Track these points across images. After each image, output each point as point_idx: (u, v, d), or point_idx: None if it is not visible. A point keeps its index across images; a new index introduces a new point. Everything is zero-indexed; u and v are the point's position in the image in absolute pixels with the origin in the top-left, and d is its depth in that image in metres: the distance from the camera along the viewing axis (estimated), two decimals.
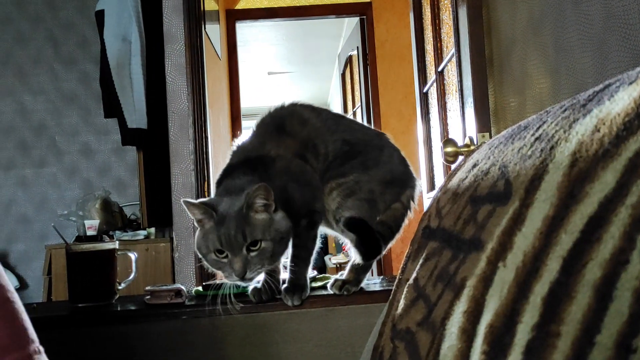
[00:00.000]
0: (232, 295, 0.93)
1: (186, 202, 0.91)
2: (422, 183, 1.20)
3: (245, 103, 4.20)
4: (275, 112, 1.10)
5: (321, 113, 1.11)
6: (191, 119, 2.33)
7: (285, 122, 1.07)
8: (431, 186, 2.04)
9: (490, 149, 0.72)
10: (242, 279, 0.89)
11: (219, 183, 1.02)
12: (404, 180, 1.08)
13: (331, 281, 1.03)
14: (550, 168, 0.48)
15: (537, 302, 0.40)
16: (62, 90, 3.38)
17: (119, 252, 1.00)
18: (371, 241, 0.97)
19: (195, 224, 0.95)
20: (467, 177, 0.73)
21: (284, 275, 1.01)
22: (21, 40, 3.35)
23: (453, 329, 0.53)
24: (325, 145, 1.05)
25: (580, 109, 0.51)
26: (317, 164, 1.04)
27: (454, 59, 1.55)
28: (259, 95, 7.04)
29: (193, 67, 2.32)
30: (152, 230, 2.54)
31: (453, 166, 1.28)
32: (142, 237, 2.50)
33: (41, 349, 0.62)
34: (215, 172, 2.58)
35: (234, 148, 1.08)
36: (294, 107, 1.10)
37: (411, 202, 1.09)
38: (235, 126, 3.92)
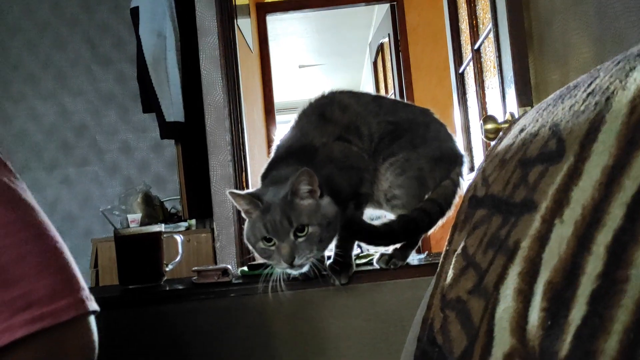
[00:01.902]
0: (281, 278, 0.93)
1: (232, 193, 0.92)
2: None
3: (277, 98, 4.21)
4: (316, 101, 1.10)
5: (361, 97, 1.11)
6: (227, 110, 2.36)
7: (326, 110, 1.07)
8: (470, 168, 2.01)
9: (537, 112, 0.70)
10: (291, 265, 0.88)
11: (264, 177, 1.03)
12: (452, 157, 1.07)
13: (377, 256, 1.02)
14: (607, 119, 0.46)
15: (601, 251, 0.39)
16: (100, 90, 3.46)
17: (165, 235, 1.02)
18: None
19: (243, 215, 0.95)
20: (514, 142, 0.72)
21: (328, 252, 1.00)
22: (59, 44, 3.44)
23: (508, 292, 0.52)
24: (368, 127, 1.05)
25: (635, 58, 0.49)
26: (362, 145, 1.04)
27: (491, 35, 1.52)
28: (292, 89, 7.05)
29: (227, 60, 2.34)
30: (193, 221, 2.59)
31: (493, 143, 1.26)
32: (183, 228, 2.54)
33: (91, 297, 0.64)
34: (252, 163, 2.60)
35: (277, 142, 1.08)
36: (334, 94, 1.10)
37: (460, 179, 1.08)
38: (269, 119, 3.94)
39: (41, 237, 0.64)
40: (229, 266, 0.99)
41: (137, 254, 0.97)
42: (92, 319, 0.64)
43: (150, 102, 2.55)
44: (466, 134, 2.04)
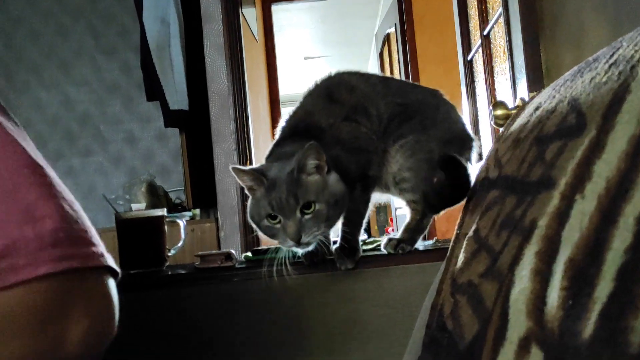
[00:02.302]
0: (287, 260, 0.91)
1: (235, 169, 0.90)
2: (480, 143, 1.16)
3: (282, 90, 4.18)
4: (322, 82, 1.07)
5: (369, 78, 1.08)
6: (231, 98, 2.34)
7: (333, 90, 1.04)
8: (479, 154, 1.98)
9: (554, 89, 0.67)
10: (298, 243, 0.86)
11: (268, 156, 1.01)
12: (463, 140, 1.05)
13: (384, 241, 1.00)
14: (632, 87, 0.44)
15: (629, 223, 0.36)
16: (105, 80, 3.44)
17: (167, 219, 1.00)
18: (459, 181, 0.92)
19: (247, 192, 0.93)
20: (528, 121, 0.69)
21: (334, 237, 0.98)
22: (63, 33, 3.42)
23: (524, 273, 0.49)
24: (377, 108, 1.02)
25: None
26: (370, 126, 1.01)
27: (501, 20, 1.49)
28: (297, 81, 7.02)
29: (232, 47, 2.32)
30: (197, 211, 2.57)
31: (505, 126, 1.23)
32: (187, 218, 2.52)
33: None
34: (256, 153, 2.58)
35: (283, 123, 1.06)
36: (341, 75, 1.07)
37: (468, 164, 1.06)
38: (274, 111, 3.92)
39: (59, 184, 0.62)
40: (233, 251, 0.97)
41: (139, 237, 0.95)
42: (112, 281, 0.61)
43: (154, 90, 2.53)
44: (474, 122, 2.01)
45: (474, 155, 1.07)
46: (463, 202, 0.86)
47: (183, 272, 0.96)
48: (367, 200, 0.99)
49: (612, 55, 0.53)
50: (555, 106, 0.61)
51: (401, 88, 1.08)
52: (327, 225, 0.89)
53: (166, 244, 0.99)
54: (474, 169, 1.06)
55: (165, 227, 0.99)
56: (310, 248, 0.89)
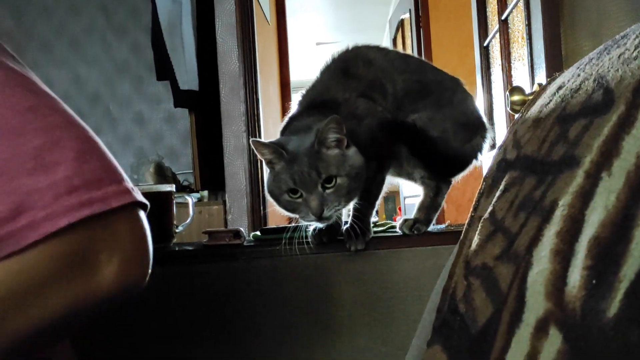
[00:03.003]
0: (307, 236, 0.89)
1: (255, 142, 0.88)
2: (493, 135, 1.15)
3: (294, 76, 4.15)
4: (339, 56, 1.05)
5: (388, 53, 1.06)
6: (242, 80, 2.31)
7: (350, 65, 1.02)
8: (492, 145, 1.96)
9: (578, 67, 0.65)
10: (320, 218, 0.85)
11: (283, 130, 0.99)
12: (477, 126, 1.04)
13: (400, 222, 0.99)
14: None
15: None
16: (115, 59, 3.42)
17: (176, 195, 0.99)
18: None
19: (265, 166, 0.92)
20: (550, 101, 0.67)
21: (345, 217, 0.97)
22: (74, 11, 3.41)
23: (543, 253, 0.48)
24: (393, 85, 1.01)
25: None
26: (385, 104, 0.99)
27: (520, 4, 1.45)
28: (308, 67, 6.98)
29: (243, 27, 2.29)
30: (205, 193, 2.56)
31: (516, 115, 1.21)
32: (195, 199, 2.52)
33: (137, 189, 0.60)
34: (266, 135, 2.56)
35: (299, 98, 1.04)
36: (358, 49, 1.05)
37: (478, 153, 1.04)
38: (285, 95, 3.88)
39: (72, 124, 0.59)
40: (242, 229, 0.96)
41: (148, 212, 0.93)
42: (140, 214, 0.60)
43: (164, 69, 2.52)
44: (489, 110, 1.98)
45: (485, 145, 1.06)
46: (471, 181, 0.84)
47: (190, 248, 0.95)
48: (381, 182, 0.98)
49: None
50: (580, 84, 0.59)
51: (421, 66, 1.06)
52: (348, 199, 0.88)
53: (174, 220, 0.98)
54: (485, 158, 1.04)
55: (174, 203, 0.98)
56: (331, 222, 0.89)
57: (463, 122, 1.00)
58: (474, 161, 1.04)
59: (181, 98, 2.52)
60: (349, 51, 1.04)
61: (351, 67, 1.01)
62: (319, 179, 0.85)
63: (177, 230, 1.00)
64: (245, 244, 0.94)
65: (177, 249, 0.96)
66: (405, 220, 0.98)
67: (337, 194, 0.86)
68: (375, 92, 0.99)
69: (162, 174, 2.75)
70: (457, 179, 1.05)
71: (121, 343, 0.93)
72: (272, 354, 0.90)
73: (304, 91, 1.04)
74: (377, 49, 1.05)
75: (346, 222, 0.95)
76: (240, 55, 2.33)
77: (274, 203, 0.90)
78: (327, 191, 0.86)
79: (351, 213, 0.94)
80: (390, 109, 0.99)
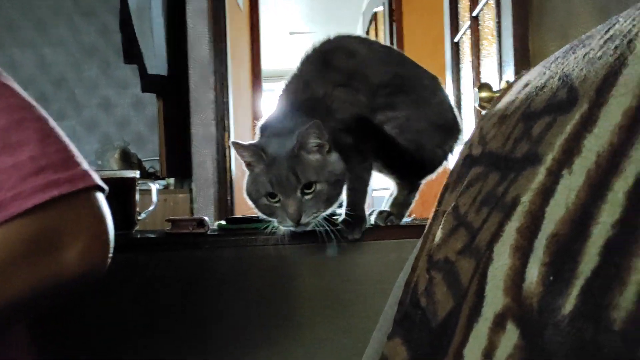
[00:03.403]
0: (286, 234, 0.87)
1: (235, 144, 0.86)
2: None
3: (266, 65, 4.11)
4: (321, 46, 1.03)
5: (372, 44, 1.05)
6: (212, 67, 2.28)
7: (332, 56, 1.00)
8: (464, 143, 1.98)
9: (544, 66, 0.65)
10: (297, 224, 0.83)
11: (263, 129, 0.97)
12: (452, 129, 1.04)
13: (375, 214, 0.99)
14: (629, 60, 0.42)
15: (619, 197, 0.35)
16: (82, 42, 3.33)
17: (139, 182, 0.96)
18: None
19: (244, 168, 0.90)
20: (516, 97, 0.67)
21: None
22: None
23: (503, 249, 0.48)
24: (376, 76, 0.99)
25: None
26: (367, 94, 0.98)
27: (491, 1, 1.47)
28: (281, 56, 6.93)
29: (215, 13, 2.25)
30: (171, 180, 2.52)
31: (484, 111, 1.23)
32: (161, 187, 2.48)
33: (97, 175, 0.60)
34: (236, 125, 2.53)
35: (280, 92, 1.02)
36: (341, 39, 1.03)
37: (450, 155, 1.05)
38: (256, 85, 3.85)
39: (32, 106, 0.60)
40: (206, 218, 0.94)
41: (109, 198, 0.91)
42: (101, 197, 0.60)
43: (132, 52, 2.46)
44: (457, 105, 2.00)
45: (456, 148, 1.06)
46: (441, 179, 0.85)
47: (153, 236, 0.93)
48: (369, 168, 0.97)
49: (607, 31, 0.51)
50: (545, 82, 0.60)
51: (404, 60, 1.05)
52: (327, 205, 0.87)
53: (137, 208, 0.96)
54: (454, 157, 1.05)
55: (137, 190, 0.96)
56: (309, 229, 0.87)
57: (440, 124, 1.01)
58: (445, 162, 1.05)
59: (149, 83, 2.47)
60: (331, 41, 1.02)
61: (332, 59, 0.99)
62: (298, 184, 0.84)
63: (139, 218, 0.98)
64: (209, 233, 0.93)
65: (139, 236, 0.94)
66: (381, 212, 0.98)
67: (316, 200, 0.85)
68: (357, 82, 0.98)
69: (128, 160, 2.70)
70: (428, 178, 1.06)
71: (81, 331, 0.91)
72: (233, 343, 0.89)
73: (284, 85, 1.02)
74: (360, 39, 1.04)
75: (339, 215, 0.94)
76: (210, 42, 2.29)
77: (252, 206, 0.89)
78: (306, 197, 0.84)
79: (345, 202, 0.93)
80: (370, 100, 0.98)
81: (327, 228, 0.86)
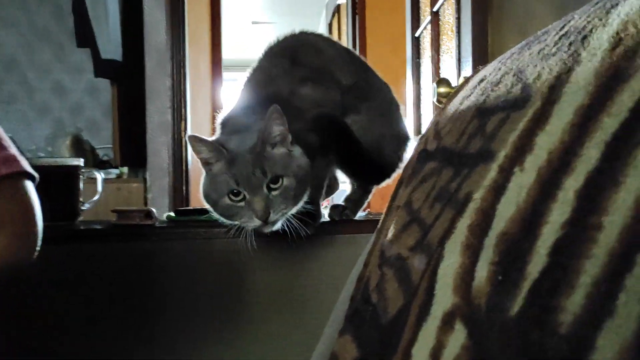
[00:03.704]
0: (253, 233, 0.83)
1: (192, 138, 0.81)
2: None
3: (227, 54, 4.03)
4: (285, 41, 1.00)
5: (335, 44, 1.05)
6: (169, 53, 2.22)
7: (299, 51, 0.98)
8: (418, 133, 1.99)
9: (500, 62, 0.65)
10: (265, 222, 0.78)
11: (224, 124, 0.93)
12: (405, 138, 1.06)
13: (329, 209, 0.98)
14: (583, 57, 0.41)
15: (569, 196, 0.34)
16: (35, 24, 3.19)
17: (83, 170, 0.92)
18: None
19: (201, 166, 0.85)
20: (472, 93, 0.67)
21: None
22: None
23: (454, 247, 0.47)
24: (343, 77, 0.98)
25: None
26: (339, 94, 0.97)
27: None
28: (243, 46, 6.84)
29: None
30: (125, 169, 2.45)
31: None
32: (114, 176, 2.40)
33: (25, 160, 0.57)
34: (194, 115, 2.48)
35: (242, 87, 0.98)
36: (306, 35, 1.02)
37: (402, 162, 1.07)
38: (216, 74, 3.77)
39: None
40: (153, 209, 0.91)
41: (50, 187, 0.86)
42: (30, 184, 0.56)
43: (85, 35, 2.37)
44: (417, 101, 2.01)
45: (406, 155, 1.08)
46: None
47: (98, 227, 0.89)
48: (330, 165, 0.96)
49: (562, 27, 0.51)
50: (500, 78, 0.59)
51: (364, 65, 1.06)
52: (294, 201, 0.83)
53: (80, 197, 0.92)
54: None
55: (81, 179, 0.91)
56: (277, 227, 0.82)
57: (396, 132, 1.02)
58: (398, 169, 1.06)
59: (102, 67, 2.39)
60: (296, 36, 1.00)
61: (299, 54, 0.97)
62: (265, 179, 0.79)
63: (83, 208, 0.93)
64: (157, 225, 0.89)
65: (82, 227, 0.89)
66: (336, 207, 0.98)
67: (284, 196, 0.81)
68: (326, 79, 0.96)
69: (80, 147, 2.61)
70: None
71: (22, 325, 0.87)
72: (181, 339, 0.87)
73: (246, 77, 0.98)
74: (324, 38, 1.03)
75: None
76: (168, 28, 2.23)
77: (210, 209, 0.84)
78: (273, 192, 0.80)
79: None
80: (341, 99, 0.98)
81: (295, 225, 0.82)
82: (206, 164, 0.83)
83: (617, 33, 0.38)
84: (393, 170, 1.05)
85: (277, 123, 0.81)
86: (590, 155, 0.34)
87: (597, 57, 0.39)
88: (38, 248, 0.55)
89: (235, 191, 0.80)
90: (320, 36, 1.04)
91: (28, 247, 0.55)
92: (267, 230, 0.81)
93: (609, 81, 0.36)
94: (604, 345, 0.26)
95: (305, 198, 0.87)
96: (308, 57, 0.97)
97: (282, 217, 0.81)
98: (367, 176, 1.01)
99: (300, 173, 0.82)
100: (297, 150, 0.85)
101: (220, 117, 0.94)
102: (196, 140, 0.81)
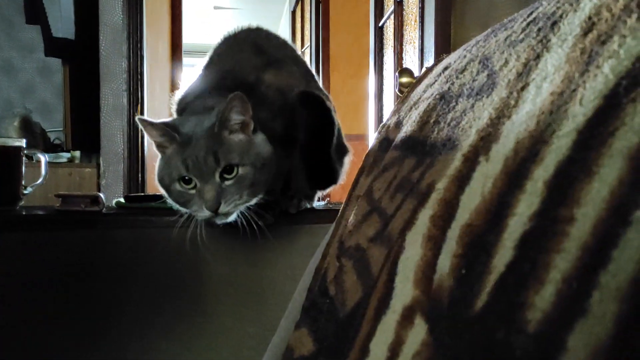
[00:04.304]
0: (203, 225, 0.78)
1: (142, 121, 0.74)
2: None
3: (188, 38, 3.94)
4: (247, 31, 0.97)
5: (291, 47, 1.03)
6: (125, 33, 2.13)
7: (262, 42, 0.95)
8: (379, 125, 1.98)
9: (465, 49, 0.63)
10: (215, 213, 0.73)
11: (180, 102, 0.87)
12: (346, 149, 1.05)
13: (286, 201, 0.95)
14: (552, 44, 0.40)
15: (538, 187, 0.32)
16: None
17: (25, 151, 0.86)
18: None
19: (155, 149, 0.79)
20: (435, 81, 0.65)
21: None
22: None
23: (415, 238, 0.45)
24: (304, 73, 0.96)
25: None
26: (299, 79, 0.94)
27: None
28: (204, 31, 6.70)
29: None
30: (77, 153, 2.35)
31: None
32: (64, 160, 2.30)
33: None
34: (151, 99, 2.40)
35: (200, 72, 0.93)
36: (266, 30, 0.99)
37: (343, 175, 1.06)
38: (176, 58, 3.67)
39: None
40: (101, 195, 0.86)
41: None
42: None
43: (34, 11, 2.25)
44: (379, 91, 1.99)
45: (345, 169, 1.06)
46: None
47: (41, 213, 0.83)
48: (288, 156, 0.92)
49: (530, 14, 0.50)
50: (465, 66, 0.57)
51: (310, 72, 1.03)
52: (251, 192, 0.77)
53: (22, 181, 0.86)
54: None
55: (23, 160, 0.85)
56: (230, 220, 0.77)
57: (341, 142, 1.00)
58: (339, 180, 1.02)
59: (53, 46, 2.28)
60: (256, 30, 0.98)
61: (264, 45, 0.93)
62: (217, 167, 0.74)
63: (25, 192, 0.88)
64: (104, 211, 0.84)
65: (24, 212, 0.84)
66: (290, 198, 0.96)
67: (239, 186, 0.75)
68: (289, 68, 0.93)
69: (30, 130, 2.49)
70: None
71: None
72: (129, 334, 0.82)
73: (206, 62, 0.93)
74: (281, 37, 1.02)
75: None
76: (124, 7, 2.14)
77: (165, 194, 0.78)
78: (227, 182, 0.75)
79: None
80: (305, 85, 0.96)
81: (250, 219, 0.77)
82: (160, 147, 0.78)
83: (590, 18, 0.37)
84: (338, 177, 1.01)
85: (237, 111, 0.76)
86: (561, 144, 0.32)
87: (568, 43, 0.37)
88: None
89: (186, 177, 0.75)
90: (277, 35, 1.02)
91: None
92: (219, 221, 0.77)
93: (582, 66, 0.34)
94: (575, 346, 0.24)
95: (264, 189, 0.81)
96: (271, 48, 0.94)
97: (234, 208, 0.76)
98: (323, 174, 0.97)
99: (259, 162, 0.77)
100: (259, 137, 0.79)
101: (176, 96, 0.90)
102: (145, 124, 0.76)
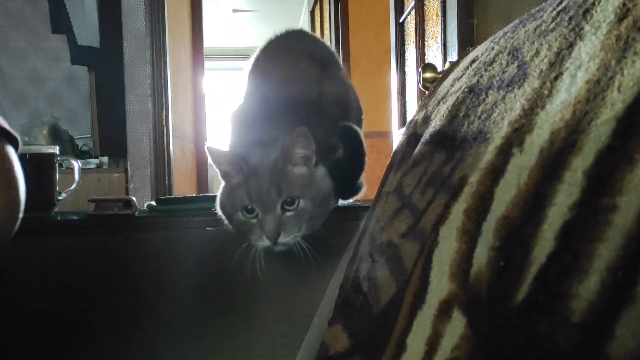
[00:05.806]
0: (262, 255, 0.78)
1: (211, 150, 0.75)
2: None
3: (208, 42, 3.97)
4: (291, 37, 0.96)
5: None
6: (149, 39, 2.16)
7: (313, 50, 0.95)
8: (402, 122, 1.97)
9: (492, 41, 0.63)
10: (275, 243, 0.74)
11: (239, 119, 0.87)
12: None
13: None
14: (586, 30, 0.39)
15: (578, 177, 0.32)
16: (8, 9, 3.10)
17: (59, 158, 0.88)
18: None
19: (220, 177, 0.80)
20: (463, 74, 0.64)
21: None
22: None
23: (449, 232, 0.45)
24: (347, 80, 0.96)
25: None
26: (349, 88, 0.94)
27: None
28: (223, 34, 6.75)
29: None
30: (105, 159, 2.39)
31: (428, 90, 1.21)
32: (94, 166, 2.34)
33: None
34: (175, 103, 2.43)
35: (252, 78, 0.92)
36: (310, 34, 1.00)
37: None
38: (197, 62, 3.71)
39: None
40: (134, 198, 0.87)
41: (24, 176, 0.82)
42: (10, 148, 0.51)
43: (60, 21, 2.30)
44: (401, 88, 1.98)
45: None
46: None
47: (75, 218, 0.85)
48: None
49: (560, 3, 0.49)
50: (494, 58, 0.57)
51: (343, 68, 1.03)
52: (310, 226, 0.78)
53: (56, 187, 0.88)
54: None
55: (57, 167, 0.87)
56: (286, 249, 0.78)
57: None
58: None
59: (79, 55, 2.32)
60: (301, 32, 0.97)
61: (313, 50, 0.93)
62: (279, 199, 0.75)
63: (59, 198, 0.89)
64: (136, 214, 0.85)
65: (59, 218, 0.86)
66: None
67: (299, 219, 0.76)
68: (335, 75, 0.93)
69: (58, 137, 2.54)
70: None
71: None
72: (163, 334, 0.84)
73: (256, 68, 0.92)
74: (319, 38, 1.01)
75: None
76: (147, 14, 2.16)
77: (226, 221, 0.79)
78: (287, 214, 0.76)
79: None
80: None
81: (305, 248, 0.77)
82: (225, 175, 0.79)
83: (624, 4, 0.36)
84: (358, 192, 0.99)
85: (301, 146, 0.77)
86: (600, 132, 0.31)
87: (603, 30, 0.37)
88: (19, 220, 0.51)
89: (249, 207, 0.76)
90: (317, 37, 1.01)
91: (8, 217, 0.50)
92: (277, 250, 0.78)
93: (620, 52, 0.33)
94: (623, 335, 0.24)
95: (322, 222, 0.82)
96: (322, 54, 0.94)
97: (293, 239, 0.77)
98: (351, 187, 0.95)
99: (319, 196, 0.78)
100: (320, 172, 0.80)
101: (234, 113, 0.89)
102: (215, 153, 0.77)
